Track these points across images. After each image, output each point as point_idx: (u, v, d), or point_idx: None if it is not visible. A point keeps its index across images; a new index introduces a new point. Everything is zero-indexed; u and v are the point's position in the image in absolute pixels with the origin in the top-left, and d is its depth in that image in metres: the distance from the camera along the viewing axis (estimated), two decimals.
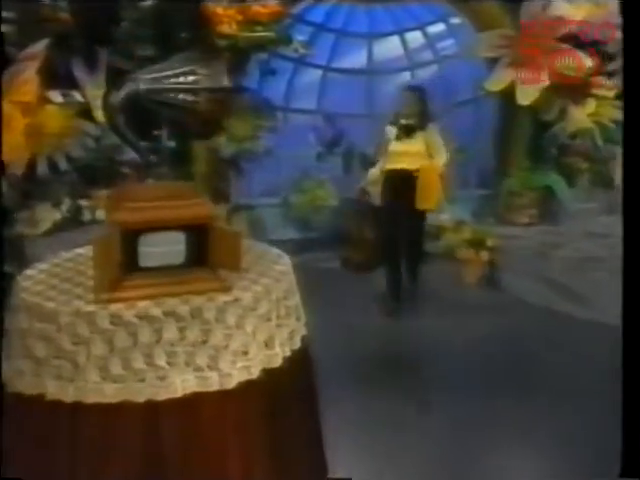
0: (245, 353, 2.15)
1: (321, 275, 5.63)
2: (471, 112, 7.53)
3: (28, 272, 2.36)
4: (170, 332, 2.04)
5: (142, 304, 2.07)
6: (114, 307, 2.04)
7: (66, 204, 4.83)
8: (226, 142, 5.91)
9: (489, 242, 5.81)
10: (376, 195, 5.10)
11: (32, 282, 2.26)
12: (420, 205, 4.80)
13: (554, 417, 3.68)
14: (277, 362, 2.24)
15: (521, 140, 6.94)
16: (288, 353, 2.31)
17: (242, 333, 2.14)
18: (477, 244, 5.78)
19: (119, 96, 2.28)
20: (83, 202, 4.89)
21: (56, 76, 4.61)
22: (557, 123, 6.56)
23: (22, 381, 2.07)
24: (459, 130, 7.17)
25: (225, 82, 2.40)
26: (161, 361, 2.04)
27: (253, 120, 6.22)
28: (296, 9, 6.56)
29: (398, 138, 4.94)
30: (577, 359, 4.39)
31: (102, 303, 2.06)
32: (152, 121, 2.57)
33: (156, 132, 2.54)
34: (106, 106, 2.36)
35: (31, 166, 4.66)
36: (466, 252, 5.77)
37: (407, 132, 4.88)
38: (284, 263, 2.51)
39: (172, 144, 2.64)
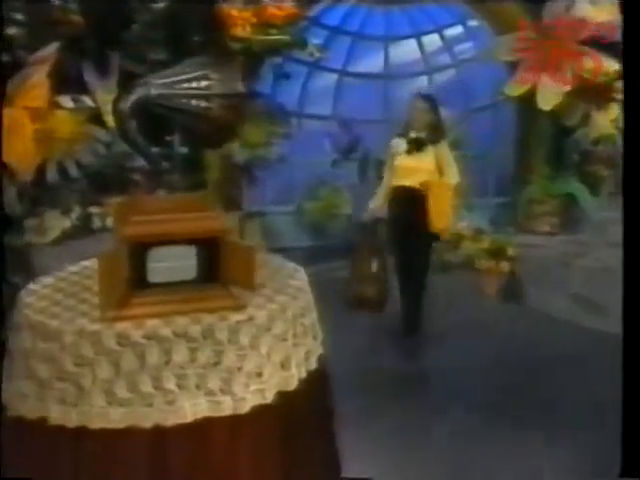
0: (259, 375, 2.04)
1: (336, 284, 5.51)
2: (490, 117, 7.39)
3: (32, 287, 2.27)
4: (180, 353, 1.94)
5: (150, 323, 1.97)
6: (121, 326, 1.94)
7: (76, 212, 4.74)
8: (239, 148, 5.82)
9: (510, 252, 5.67)
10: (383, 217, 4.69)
11: (35, 298, 2.17)
12: (429, 227, 4.35)
13: (577, 430, 3.57)
14: (293, 384, 2.13)
15: (542, 146, 6.79)
16: (304, 374, 2.20)
17: (256, 354, 2.04)
18: (497, 254, 5.64)
19: (129, 101, 2.20)
20: (93, 210, 4.81)
21: (67, 80, 4.53)
22: (579, 129, 6.40)
23: (24, 404, 1.97)
24: (477, 136, 7.07)
25: (239, 87, 2.31)
26: (170, 384, 1.93)
27: (266, 126, 6.12)
28: (312, 12, 6.46)
29: (408, 152, 4.43)
30: (599, 373, 4.25)
31: (108, 322, 1.96)
32: (164, 127, 2.50)
33: (168, 138, 2.47)
34: (116, 111, 2.28)
35: (40, 172, 4.58)
36: (486, 262, 5.63)
37: (418, 146, 4.41)
38: (300, 278, 2.40)
39: (184, 150, 2.58)
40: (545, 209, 6.39)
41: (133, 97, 2.22)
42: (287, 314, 2.14)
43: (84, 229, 4.71)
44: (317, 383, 2.29)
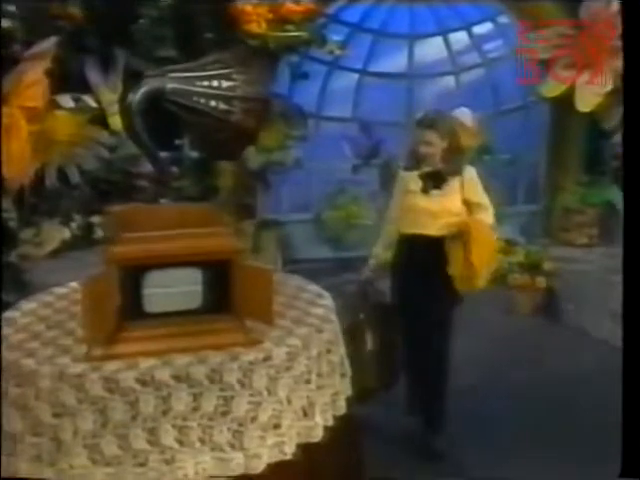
0: (277, 426, 1.72)
1: (357, 298, 5.20)
2: (521, 120, 7.01)
3: (10, 314, 1.97)
4: (181, 401, 1.63)
5: (146, 363, 1.66)
6: (109, 367, 1.63)
7: (76, 221, 4.47)
8: (253, 153, 5.52)
9: (546, 266, 5.29)
10: (385, 287, 3.46)
11: (14, 329, 1.86)
12: (459, 284, 3.17)
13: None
14: (317, 435, 1.81)
15: (577, 151, 6.41)
16: (330, 422, 1.87)
17: (273, 400, 1.72)
18: (532, 268, 5.26)
19: (139, 93, 1.91)
20: (95, 219, 4.53)
21: (66, 78, 4.27)
22: (618, 131, 6.02)
23: None
24: (507, 139, 6.74)
25: (263, 91, 2.02)
26: (168, 439, 1.62)
27: (283, 129, 5.83)
28: (331, 8, 6.16)
29: (424, 190, 3.24)
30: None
31: (94, 361, 1.65)
32: (173, 128, 2.22)
33: (178, 142, 2.18)
34: (123, 104, 2.00)
35: (38, 178, 4.30)
36: (520, 277, 5.26)
37: (435, 182, 3.25)
38: (325, 305, 2.08)
39: (194, 154, 2.29)
40: (582, 219, 6.00)
41: (145, 89, 1.95)
42: (311, 351, 1.82)
43: (85, 240, 4.42)
44: (346, 431, 1.97)
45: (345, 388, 2.02)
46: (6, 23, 3.70)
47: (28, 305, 2.03)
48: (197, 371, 1.65)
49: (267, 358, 1.72)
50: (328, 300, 2.11)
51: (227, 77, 2.00)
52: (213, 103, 1.93)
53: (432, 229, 3.20)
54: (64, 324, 1.88)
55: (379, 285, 3.48)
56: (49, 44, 3.87)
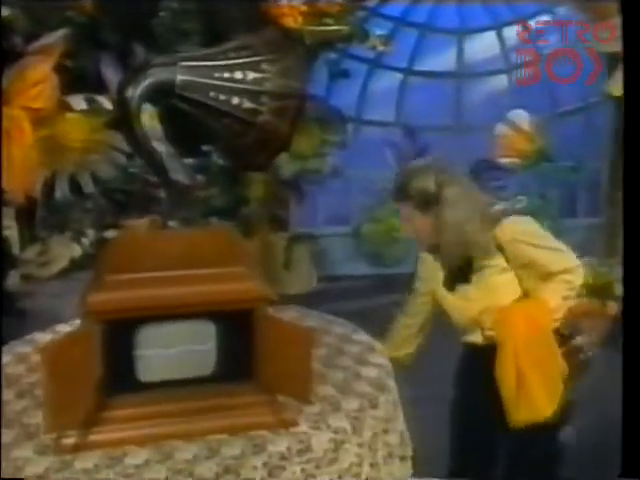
0: None
1: None
2: (582, 122, 6.65)
3: None
4: None
5: (135, 457, 1.23)
6: (84, 464, 1.20)
7: (89, 236, 4.08)
8: (286, 160, 5.24)
9: (617, 289, 4.76)
10: None
11: None
12: (512, 413, 1.94)
13: None
14: None
15: None
16: None
17: None
18: (603, 291, 4.74)
19: (140, 87, 1.53)
20: (110, 234, 4.13)
21: (79, 77, 3.90)
22: None
23: None
24: (565, 145, 6.32)
25: (299, 86, 1.59)
26: None
27: (319, 134, 5.58)
28: (372, 0, 5.85)
29: (446, 287, 2.10)
30: None
31: (64, 454, 1.22)
32: (200, 131, 1.84)
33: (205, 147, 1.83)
34: (119, 101, 1.62)
35: (47, 189, 3.93)
36: (588, 302, 4.73)
37: (459, 272, 2.07)
38: (380, 364, 1.62)
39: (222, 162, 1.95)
40: None
41: (148, 81, 1.55)
42: (363, 434, 1.36)
43: None
44: None
45: (405, 474, 1.56)
46: (6, 11, 3.33)
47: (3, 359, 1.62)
48: (206, 469, 1.21)
49: (305, 449, 1.27)
50: (383, 357, 1.65)
51: (254, 67, 1.58)
52: (236, 100, 1.51)
53: (474, 335, 2.06)
54: (35, 390, 1.45)
55: None
56: (57, 37, 3.50)
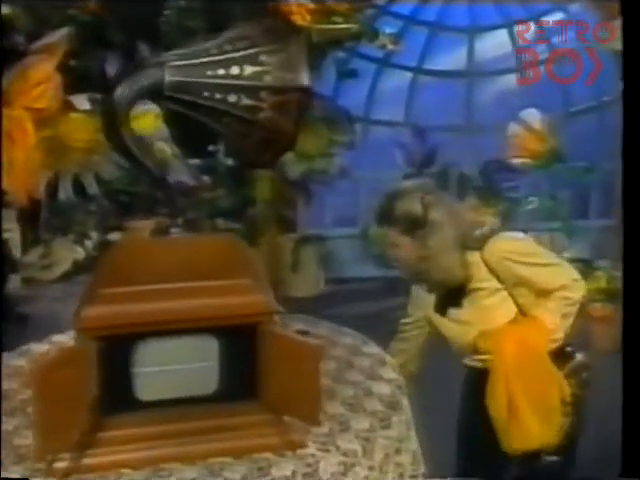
0: None
1: None
2: (595, 122, 6.51)
3: None
4: None
5: None
6: None
7: (93, 239, 4.03)
8: (293, 161, 5.16)
9: None
10: None
11: None
12: (504, 440, 1.86)
13: None
14: None
15: None
16: None
17: None
18: (617, 296, 4.65)
19: (126, 90, 1.46)
20: (114, 236, 4.08)
21: (83, 76, 3.85)
22: None
23: None
24: (577, 145, 6.24)
25: (303, 80, 1.51)
26: None
27: (326, 134, 5.49)
28: None
29: (440, 312, 2.00)
30: None
31: (57, 478, 1.15)
32: (206, 131, 1.78)
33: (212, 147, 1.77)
34: (105, 104, 1.57)
35: (51, 190, 3.88)
36: (602, 307, 4.63)
37: (449, 298, 1.99)
38: (392, 379, 1.55)
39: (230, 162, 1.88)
40: None
41: (131, 84, 1.48)
42: (373, 456, 1.29)
43: None
44: None
45: None
46: (6, 9, 3.28)
47: None
48: None
49: (312, 473, 1.20)
50: (394, 372, 1.58)
51: (252, 60, 1.49)
52: (233, 98, 1.43)
53: (473, 359, 1.95)
54: (26, 408, 1.39)
55: None
56: (60, 36, 3.45)
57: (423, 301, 2.02)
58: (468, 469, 2.10)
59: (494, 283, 1.89)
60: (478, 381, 1.89)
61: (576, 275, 1.92)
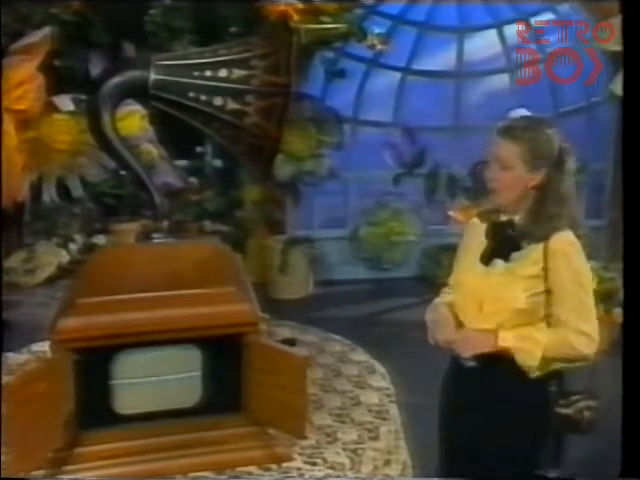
0: None
1: (399, 329, 4.71)
2: (585, 122, 6.55)
3: None
4: None
5: None
6: None
7: (77, 242, 3.98)
8: (282, 162, 5.15)
9: (622, 295, 4.67)
10: None
11: None
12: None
13: None
14: None
15: None
16: None
17: None
18: (608, 298, 4.64)
19: (108, 86, 1.43)
20: (99, 239, 4.05)
21: (66, 77, 3.81)
22: None
23: None
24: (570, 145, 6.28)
25: (286, 82, 1.48)
26: None
27: (315, 135, 5.53)
28: None
29: (487, 258, 1.88)
30: None
31: None
32: (194, 133, 1.75)
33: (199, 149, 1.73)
34: (88, 101, 1.55)
35: (34, 193, 3.84)
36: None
37: (502, 244, 1.89)
38: (382, 387, 1.51)
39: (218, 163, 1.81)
40: None
41: (118, 80, 1.45)
42: (362, 468, 1.26)
43: None
44: None
45: None
46: None
47: None
48: None
49: None
50: (385, 379, 1.54)
51: (242, 64, 1.47)
52: (219, 101, 1.39)
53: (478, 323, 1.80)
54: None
55: None
56: (42, 36, 3.41)
57: (474, 244, 1.90)
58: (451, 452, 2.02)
59: (538, 269, 1.76)
60: (474, 380, 1.76)
61: (595, 332, 1.81)
